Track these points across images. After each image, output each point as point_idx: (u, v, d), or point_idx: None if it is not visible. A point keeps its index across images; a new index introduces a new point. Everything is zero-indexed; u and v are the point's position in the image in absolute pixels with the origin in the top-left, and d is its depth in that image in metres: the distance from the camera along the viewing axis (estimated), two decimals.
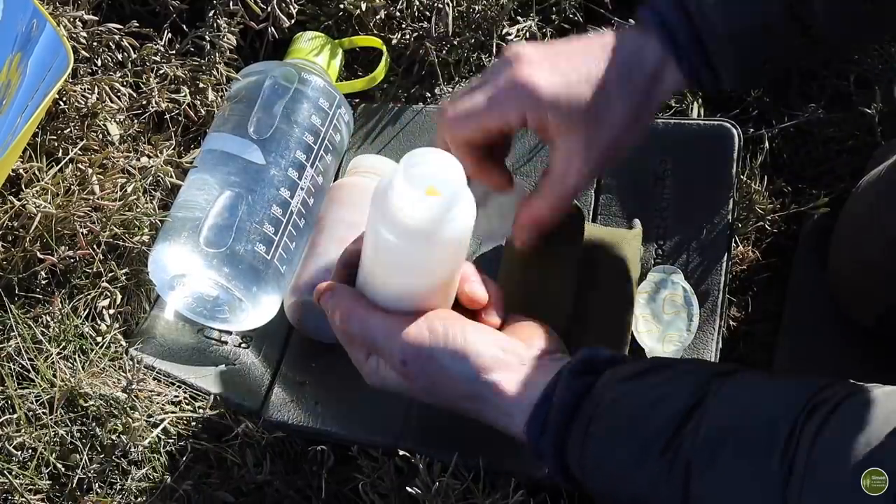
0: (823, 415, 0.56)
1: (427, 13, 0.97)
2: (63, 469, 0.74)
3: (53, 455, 0.74)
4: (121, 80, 0.89)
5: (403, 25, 0.97)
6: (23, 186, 0.82)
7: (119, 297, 0.81)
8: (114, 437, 0.75)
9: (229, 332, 0.83)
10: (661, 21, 0.68)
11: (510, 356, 0.66)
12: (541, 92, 0.66)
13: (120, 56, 0.90)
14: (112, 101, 0.87)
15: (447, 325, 0.67)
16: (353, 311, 0.68)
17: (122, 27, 0.89)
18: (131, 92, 0.89)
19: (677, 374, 0.64)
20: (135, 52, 0.90)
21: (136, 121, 0.89)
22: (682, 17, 0.67)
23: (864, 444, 0.54)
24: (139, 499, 0.75)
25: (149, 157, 0.86)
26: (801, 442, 0.56)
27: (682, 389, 0.61)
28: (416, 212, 0.61)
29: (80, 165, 0.83)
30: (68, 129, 0.86)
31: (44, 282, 0.80)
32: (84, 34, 0.88)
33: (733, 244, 0.87)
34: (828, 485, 0.54)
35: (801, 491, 0.55)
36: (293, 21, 0.96)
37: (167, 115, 0.89)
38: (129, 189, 0.82)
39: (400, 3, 0.97)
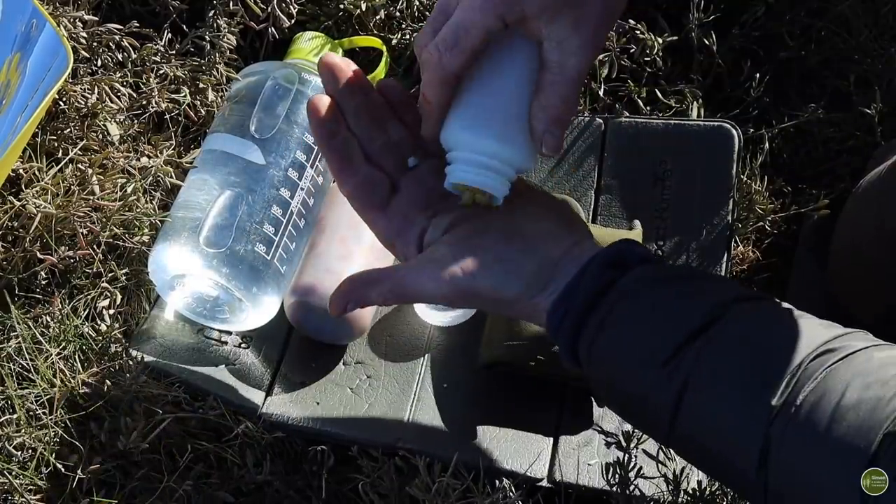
0: (829, 363, 0.56)
1: (427, 13, 0.97)
2: (63, 469, 0.74)
3: (53, 455, 0.74)
4: (121, 80, 0.89)
5: (403, 25, 0.97)
6: (23, 186, 0.82)
7: (119, 297, 0.81)
8: (114, 437, 0.75)
9: (229, 333, 0.83)
10: None
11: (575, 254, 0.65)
12: None
13: (120, 56, 0.90)
14: (112, 102, 0.87)
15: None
16: None
17: (122, 27, 0.89)
18: (131, 92, 0.89)
19: (701, 290, 0.62)
20: (135, 53, 0.90)
21: (136, 121, 0.89)
22: None
23: (855, 400, 0.54)
24: (139, 499, 0.75)
25: (149, 157, 0.86)
26: (800, 380, 0.55)
27: (701, 307, 0.60)
28: None
29: (80, 165, 0.83)
30: (68, 130, 0.86)
31: (44, 282, 0.80)
32: (84, 34, 0.88)
33: (733, 244, 0.87)
34: (811, 432, 0.54)
35: (784, 431, 0.55)
36: (293, 21, 0.96)
37: (167, 116, 0.89)
38: (129, 189, 0.82)
39: (400, 3, 0.97)
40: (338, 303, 0.66)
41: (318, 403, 0.80)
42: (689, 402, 0.58)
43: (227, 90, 0.90)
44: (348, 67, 0.69)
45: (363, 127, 0.69)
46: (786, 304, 0.63)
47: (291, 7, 0.95)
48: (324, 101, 0.68)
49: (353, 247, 0.81)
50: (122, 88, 0.88)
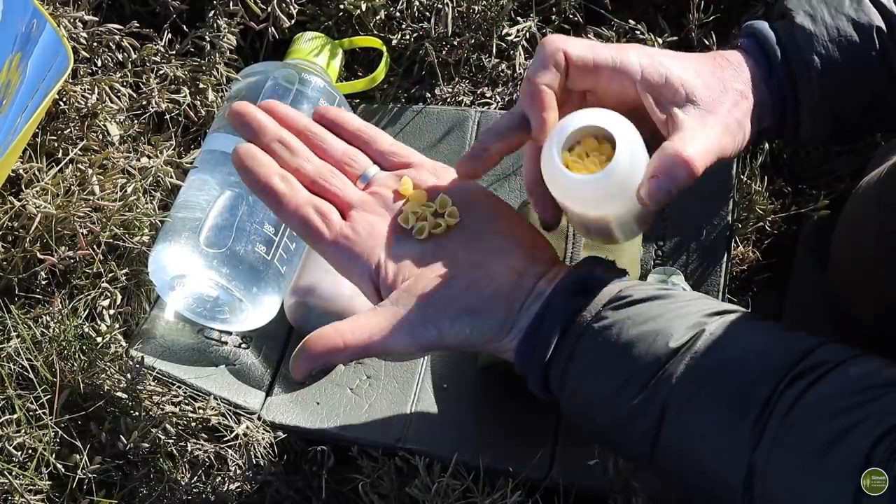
0: (807, 382, 0.56)
1: (427, 13, 0.97)
2: (63, 469, 0.74)
3: (53, 455, 0.74)
4: (121, 80, 0.89)
5: (403, 26, 0.97)
6: (23, 187, 0.82)
7: (119, 297, 0.81)
8: (114, 437, 0.75)
9: (229, 333, 0.83)
10: (759, 44, 0.69)
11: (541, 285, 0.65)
12: (669, 60, 0.66)
13: (120, 56, 0.90)
14: (112, 102, 0.87)
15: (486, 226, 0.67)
16: None
17: (122, 27, 0.89)
18: (131, 92, 0.89)
19: (669, 310, 0.62)
20: (135, 53, 0.90)
21: (136, 121, 0.89)
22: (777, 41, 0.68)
23: (836, 422, 0.54)
24: (139, 499, 0.75)
25: (149, 157, 0.86)
26: (778, 407, 0.56)
27: (674, 327, 0.60)
28: (580, 192, 0.63)
29: (80, 166, 0.83)
30: (68, 130, 0.86)
31: (44, 282, 0.80)
32: (84, 34, 0.88)
33: (733, 244, 0.87)
34: (795, 459, 0.54)
35: (767, 459, 0.55)
36: (293, 21, 0.96)
37: (167, 116, 0.89)
38: (130, 189, 0.82)
39: (400, 3, 0.97)
40: (301, 368, 0.65)
41: (318, 403, 0.80)
42: (667, 432, 0.59)
43: (227, 90, 0.90)
44: (254, 110, 0.70)
45: (294, 157, 0.70)
46: (752, 315, 0.63)
47: (291, 7, 0.95)
48: (243, 151, 0.69)
49: None
50: (122, 89, 0.88)
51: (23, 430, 0.74)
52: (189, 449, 0.76)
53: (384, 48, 0.95)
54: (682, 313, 0.61)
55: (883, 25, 0.67)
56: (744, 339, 0.60)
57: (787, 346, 0.59)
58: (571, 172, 0.62)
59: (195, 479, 0.76)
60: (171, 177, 0.85)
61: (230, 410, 0.78)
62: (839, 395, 0.56)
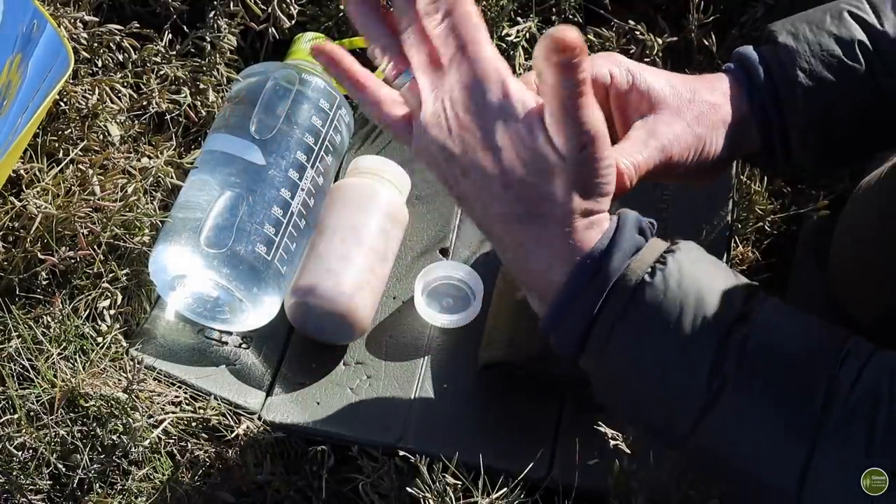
0: (856, 367, 0.56)
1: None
2: (63, 469, 0.74)
3: (54, 455, 0.74)
4: (121, 80, 0.89)
5: None
6: (23, 187, 0.82)
7: (120, 297, 0.81)
8: (114, 437, 0.75)
9: (230, 333, 0.83)
10: (744, 70, 0.69)
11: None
12: (640, 67, 0.66)
13: (120, 57, 0.90)
14: (113, 102, 0.88)
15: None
16: None
17: (122, 28, 0.90)
18: (132, 93, 0.89)
19: (722, 273, 0.60)
20: (135, 53, 0.90)
21: (136, 121, 0.89)
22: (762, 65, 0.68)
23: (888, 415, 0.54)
24: (139, 499, 0.75)
25: (149, 157, 0.86)
26: (838, 392, 0.55)
27: (732, 293, 0.58)
28: None
29: (80, 166, 0.83)
30: (69, 130, 0.86)
31: (44, 282, 0.80)
32: (85, 35, 0.88)
33: (733, 244, 0.87)
34: (854, 450, 0.54)
35: (827, 443, 0.54)
36: (293, 22, 0.96)
37: (168, 116, 0.90)
38: (130, 190, 0.82)
39: None
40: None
41: (318, 403, 0.80)
42: (722, 409, 0.57)
43: (227, 91, 0.90)
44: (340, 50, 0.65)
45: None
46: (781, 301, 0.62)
47: (292, 8, 0.95)
48: None
49: (352, 247, 0.81)
50: (122, 89, 0.88)
51: (23, 430, 0.74)
52: (189, 449, 0.76)
53: None
54: (731, 283, 0.59)
55: (865, 39, 0.67)
56: (790, 320, 0.59)
57: (831, 332, 0.59)
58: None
59: (195, 479, 0.76)
60: (172, 177, 0.85)
61: (230, 410, 0.78)
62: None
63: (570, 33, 0.54)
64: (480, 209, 0.61)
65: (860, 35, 0.67)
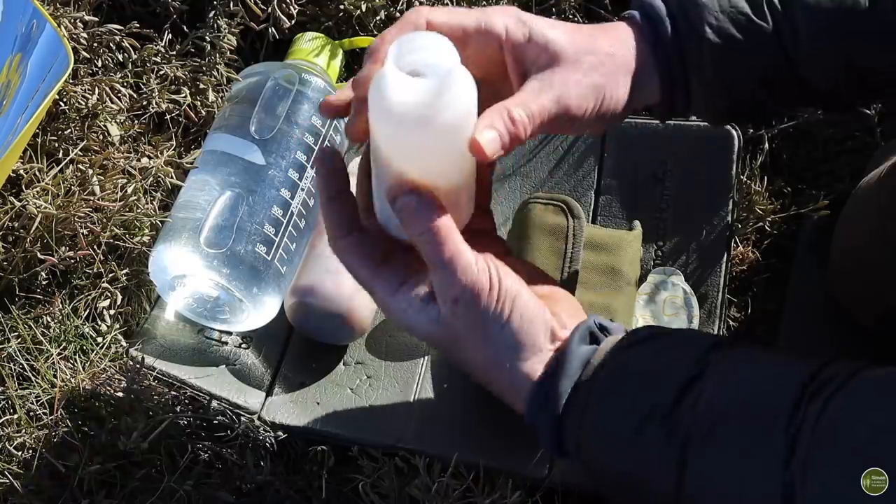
0: (827, 395, 0.56)
1: None
2: (63, 469, 0.74)
3: (54, 455, 0.74)
4: (121, 80, 0.89)
5: None
6: (23, 187, 0.82)
7: (119, 297, 0.81)
8: (114, 437, 0.75)
9: (229, 333, 0.83)
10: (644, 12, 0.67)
11: (553, 344, 0.64)
12: (536, 19, 0.64)
13: (120, 57, 0.90)
14: (112, 102, 0.88)
15: (508, 284, 0.62)
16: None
17: (122, 28, 0.90)
18: (132, 93, 0.89)
19: (673, 345, 0.63)
20: (135, 53, 0.90)
21: (136, 121, 0.89)
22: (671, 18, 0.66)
23: (869, 429, 0.54)
24: (139, 499, 0.75)
25: (149, 157, 0.86)
26: (805, 422, 0.55)
27: (681, 360, 0.60)
28: (410, 97, 0.56)
29: (80, 166, 0.83)
30: (69, 130, 0.86)
31: (44, 282, 0.80)
32: (84, 35, 0.88)
33: (733, 244, 0.87)
34: (832, 469, 0.54)
35: (804, 472, 0.54)
36: (293, 22, 0.96)
37: (167, 116, 0.90)
38: (130, 190, 0.82)
39: (400, 3, 0.97)
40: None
41: (318, 403, 0.80)
42: (693, 465, 0.58)
43: (227, 91, 0.90)
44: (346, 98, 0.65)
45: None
46: (752, 342, 0.64)
47: (292, 8, 0.95)
48: (329, 153, 0.65)
49: None
50: (122, 89, 0.88)
51: (23, 430, 0.74)
52: (189, 449, 0.76)
53: None
54: (687, 348, 0.62)
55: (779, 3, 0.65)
56: (752, 365, 0.60)
57: (798, 365, 0.59)
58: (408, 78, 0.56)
59: (195, 479, 0.76)
60: (172, 177, 0.85)
61: (230, 410, 0.78)
62: (868, 397, 0.55)
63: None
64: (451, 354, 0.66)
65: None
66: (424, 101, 0.56)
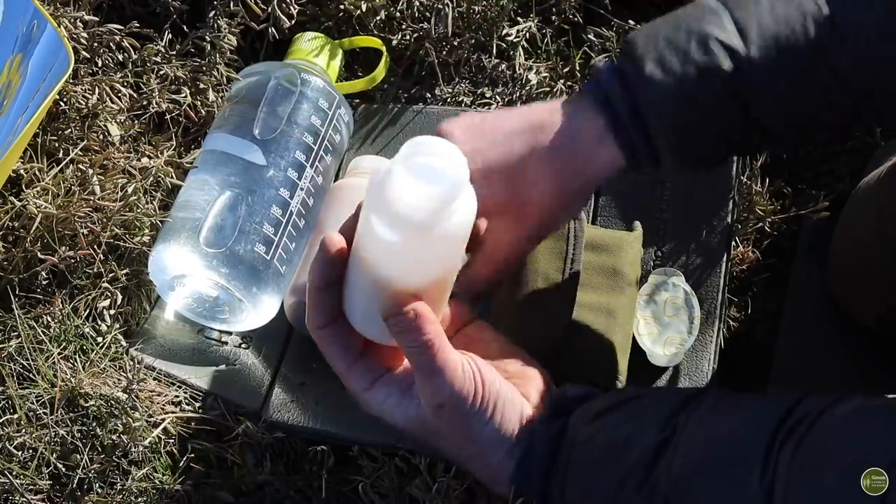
0: (797, 438, 0.57)
1: (427, 14, 0.97)
2: (63, 469, 0.74)
3: (54, 455, 0.74)
4: (121, 80, 0.89)
5: (403, 26, 0.97)
6: (23, 187, 0.82)
7: (119, 297, 0.81)
8: (114, 437, 0.75)
9: (229, 333, 0.83)
10: (601, 92, 0.67)
11: (526, 426, 0.66)
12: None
13: (120, 57, 0.90)
14: (112, 102, 0.88)
15: (491, 386, 0.65)
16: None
17: (122, 28, 0.90)
18: (132, 92, 0.89)
19: (643, 408, 0.64)
20: (135, 53, 0.90)
21: (136, 121, 0.89)
22: (621, 87, 0.66)
23: (839, 465, 0.55)
24: (139, 499, 0.75)
25: (149, 157, 0.86)
26: (779, 465, 0.56)
27: (650, 426, 0.62)
28: (416, 202, 0.57)
29: (80, 166, 0.83)
30: (69, 130, 0.86)
31: (44, 282, 0.80)
32: (85, 35, 0.88)
33: (733, 244, 0.87)
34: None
35: None
36: (293, 21, 0.96)
37: (168, 116, 0.90)
38: (130, 189, 0.82)
39: (400, 3, 0.97)
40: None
41: (317, 403, 0.80)
42: None
43: (227, 91, 0.90)
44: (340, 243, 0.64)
45: None
46: (722, 393, 0.65)
47: (292, 7, 0.95)
48: (336, 242, 0.64)
49: None
50: (122, 89, 0.88)
51: (23, 430, 0.74)
52: (189, 449, 0.76)
53: (384, 48, 0.95)
54: (655, 411, 0.63)
55: (731, 69, 0.64)
56: (720, 418, 0.61)
57: (767, 411, 0.60)
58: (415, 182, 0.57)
59: (195, 479, 0.76)
60: (172, 177, 0.85)
61: (230, 410, 0.78)
62: (834, 436, 0.56)
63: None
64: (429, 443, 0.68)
65: (727, 65, 0.64)
66: (430, 207, 0.57)
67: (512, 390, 0.66)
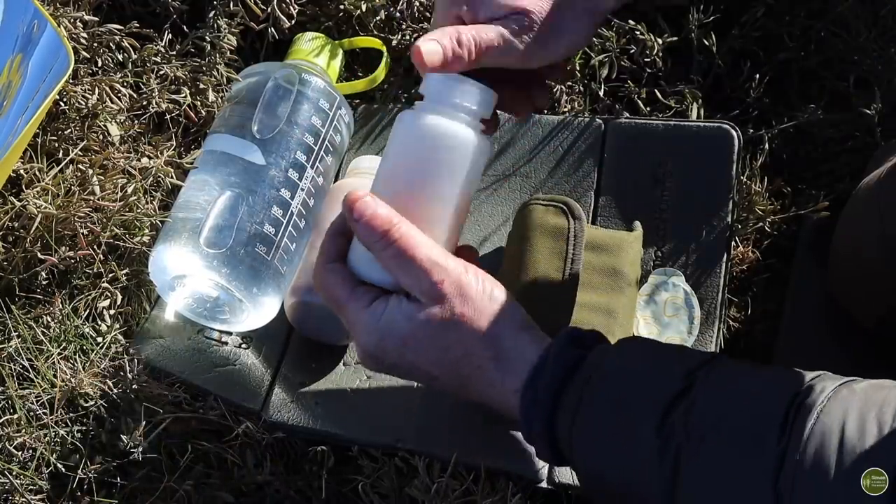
0: (814, 409, 0.56)
1: (427, 14, 0.97)
2: (63, 469, 0.74)
3: (54, 455, 0.74)
4: (121, 80, 0.89)
5: (404, 26, 0.97)
6: (23, 187, 0.82)
7: (119, 297, 0.81)
8: (114, 437, 0.75)
9: (229, 333, 0.83)
10: None
11: (526, 327, 0.67)
12: None
13: (120, 57, 0.90)
14: (112, 102, 0.88)
15: (482, 277, 0.66)
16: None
17: (122, 28, 0.90)
18: (132, 93, 0.89)
19: (667, 353, 0.64)
20: (135, 53, 0.90)
21: (136, 121, 0.89)
22: None
23: (856, 440, 0.54)
24: (139, 499, 0.75)
25: (149, 157, 0.86)
26: (793, 436, 0.56)
27: (672, 373, 0.62)
28: (436, 123, 0.66)
29: (80, 166, 0.83)
30: (69, 130, 0.86)
31: (44, 282, 0.80)
32: (85, 35, 0.88)
33: (733, 244, 0.87)
34: (821, 480, 0.55)
35: (793, 483, 0.55)
36: (293, 22, 0.96)
37: (167, 116, 0.90)
38: (130, 190, 0.82)
39: (400, 3, 0.97)
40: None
41: (317, 404, 0.80)
42: (688, 477, 0.59)
43: (227, 91, 0.90)
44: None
45: None
46: (742, 361, 0.65)
47: (292, 8, 0.95)
48: (372, 205, 0.67)
49: None
50: (122, 89, 0.88)
51: (23, 430, 0.74)
52: (189, 449, 0.76)
53: (384, 48, 0.95)
54: (677, 362, 0.63)
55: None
56: (740, 380, 0.61)
57: (780, 381, 0.60)
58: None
59: (195, 479, 0.76)
60: (172, 177, 0.85)
61: (230, 410, 0.78)
62: (854, 407, 0.56)
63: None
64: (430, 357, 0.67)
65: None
66: (450, 132, 0.66)
67: (504, 290, 0.68)
